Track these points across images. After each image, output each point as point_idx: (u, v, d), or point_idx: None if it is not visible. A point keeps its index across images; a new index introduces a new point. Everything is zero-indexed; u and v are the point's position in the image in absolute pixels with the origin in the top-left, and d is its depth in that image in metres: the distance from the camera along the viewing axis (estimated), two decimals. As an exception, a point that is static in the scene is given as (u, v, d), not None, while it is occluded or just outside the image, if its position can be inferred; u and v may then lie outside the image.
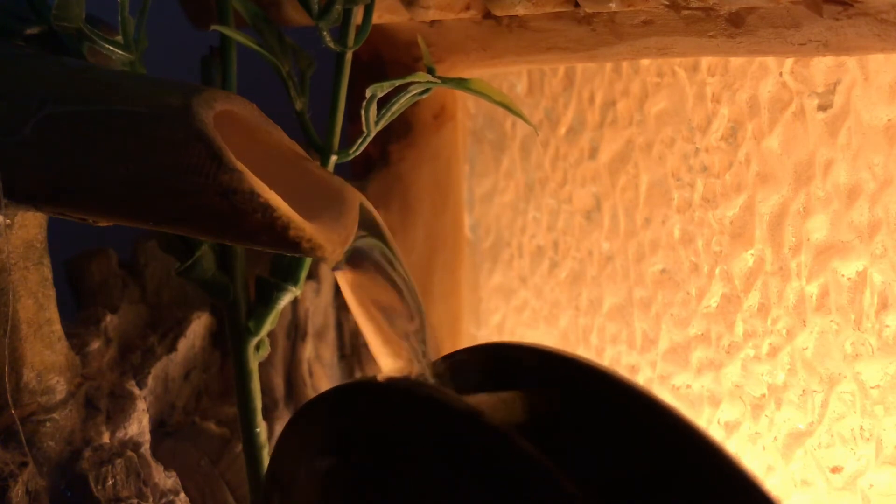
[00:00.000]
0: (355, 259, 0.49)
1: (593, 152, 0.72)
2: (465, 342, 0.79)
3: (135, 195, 0.48)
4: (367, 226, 0.50)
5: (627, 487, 0.43)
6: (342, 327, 0.77)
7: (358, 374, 0.78)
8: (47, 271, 0.55)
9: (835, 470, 0.63)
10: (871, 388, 0.62)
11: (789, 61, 0.63)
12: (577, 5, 0.61)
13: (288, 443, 0.48)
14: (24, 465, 0.52)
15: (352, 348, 0.78)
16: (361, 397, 0.46)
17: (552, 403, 0.46)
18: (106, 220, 0.51)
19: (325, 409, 0.47)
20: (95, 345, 0.60)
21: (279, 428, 0.53)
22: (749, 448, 0.66)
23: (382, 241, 0.50)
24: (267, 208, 0.46)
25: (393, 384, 0.47)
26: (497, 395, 0.47)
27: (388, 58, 0.73)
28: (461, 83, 0.56)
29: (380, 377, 0.49)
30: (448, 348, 0.52)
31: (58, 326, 0.56)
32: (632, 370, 0.71)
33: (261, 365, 0.58)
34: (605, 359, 0.73)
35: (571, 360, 0.47)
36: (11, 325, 0.53)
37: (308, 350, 0.73)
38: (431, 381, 0.49)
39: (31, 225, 0.54)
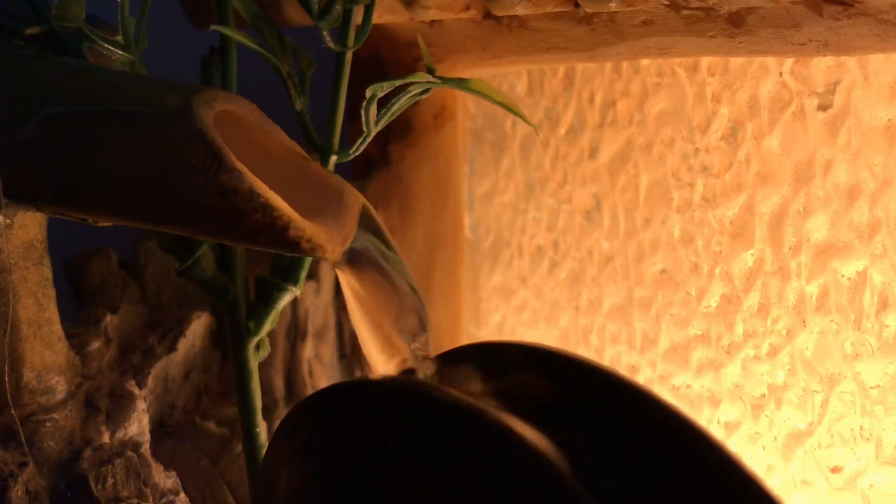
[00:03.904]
0: (355, 258, 0.49)
1: (593, 152, 0.72)
2: (466, 342, 0.79)
3: (135, 195, 0.48)
4: (367, 225, 0.50)
5: (625, 486, 0.43)
6: (342, 327, 0.77)
7: (358, 374, 0.78)
8: (47, 271, 0.55)
9: (835, 470, 0.63)
10: (871, 388, 0.62)
11: (789, 61, 0.63)
12: (577, 5, 0.61)
13: (280, 442, 0.48)
14: (24, 465, 0.52)
15: (352, 348, 0.78)
16: (356, 396, 0.46)
17: (548, 402, 0.46)
18: (106, 220, 0.51)
19: (319, 409, 0.47)
20: (95, 345, 0.60)
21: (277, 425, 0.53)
22: (749, 448, 0.66)
23: (382, 240, 0.50)
24: (267, 208, 0.46)
25: (392, 382, 0.47)
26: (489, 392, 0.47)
27: (388, 58, 0.73)
28: (461, 83, 0.56)
29: (373, 376, 0.49)
30: (448, 348, 0.52)
31: (58, 326, 0.56)
32: (632, 370, 0.71)
33: (261, 365, 0.58)
34: (605, 359, 0.73)
35: (569, 359, 0.47)
36: (11, 325, 0.53)
37: (308, 350, 0.73)
38: (428, 380, 0.49)
39: (31, 225, 0.54)
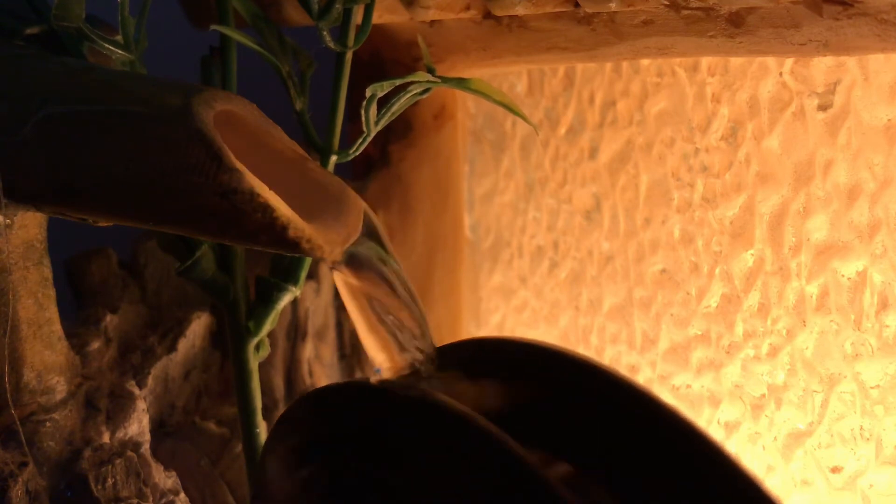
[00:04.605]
0: (354, 260, 0.49)
1: (593, 152, 0.72)
2: (465, 342, 0.79)
3: (135, 195, 0.48)
4: (366, 229, 0.50)
5: (625, 488, 0.43)
6: (342, 327, 0.77)
7: (358, 374, 0.78)
8: (47, 271, 0.55)
9: (835, 470, 0.63)
10: (871, 388, 0.62)
11: (789, 61, 0.63)
12: (577, 5, 0.61)
13: (275, 443, 0.48)
14: (24, 465, 0.52)
15: (352, 348, 0.78)
16: (352, 398, 0.46)
17: (546, 403, 0.46)
18: (106, 220, 0.51)
19: (315, 411, 0.47)
20: (95, 345, 0.60)
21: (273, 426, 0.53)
22: (749, 448, 0.66)
23: (380, 244, 0.50)
24: (266, 208, 0.46)
25: (383, 385, 0.47)
26: (482, 388, 0.47)
27: (388, 58, 0.73)
28: (461, 83, 0.56)
29: (372, 378, 0.49)
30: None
31: (58, 326, 0.56)
32: (632, 370, 0.71)
33: (261, 365, 0.58)
34: (605, 359, 0.73)
35: (570, 358, 0.47)
36: (11, 325, 0.53)
37: (308, 350, 0.73)
38: (425, 380, 0.49)
39: (31, 225, 0.54)
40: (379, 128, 0.56)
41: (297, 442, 0.47)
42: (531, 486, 0.40)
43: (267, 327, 0.57)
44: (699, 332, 0.68)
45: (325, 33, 0.55)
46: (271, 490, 0.47)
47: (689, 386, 0.69)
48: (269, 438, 0.49)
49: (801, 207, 0.64)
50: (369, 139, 0.56)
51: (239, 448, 0.66)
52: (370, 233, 0.50)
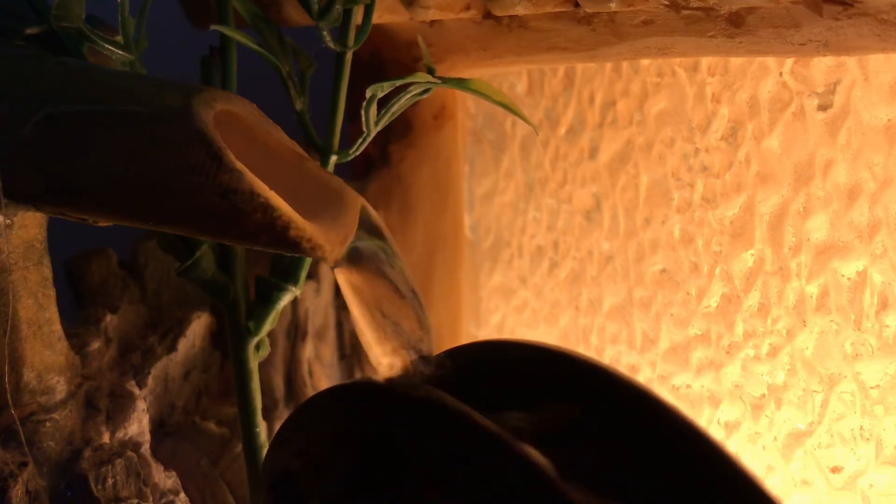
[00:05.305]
0: (355, 258, 0.49)
1: (593, 152, 0.72)
2: (465, 342, 0.79)
3: (134, 195, 0.48)
4: (367, 225, 0.50)
5: (626, 487, 0.43)
6: (342, 327, 0.77)
7: (358, 374, 0.78)
8: (47, 271, 0.55)
9: (835, 470, 0.63)
10: (871, 388, 0.62)
11: (789, 61, 0.63)
12: (577, 5, 0.61)
13: (283, 443, 0.48)
14: (24, 465, 0.52)
15: (352, 348, 0.78)
16: (358, 398, 0.46)
17: (545, 403, 0.46)
18: (106, 220, 0.51)
19: (321, 410, 0.47)
20: (95, 345, 0.60)
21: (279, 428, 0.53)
22: (749, 448, 0.66)
23: (382, 240, 0.50)
24: (267, 208, 0.46)
25: (389, 385, 0.47)
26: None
27: (388, 58, 0.73)
28: (461, 83, 0.56)
29: (376, 378, 0.49)
30: (447, 347, 0.52)
31: (58, 326, 0.56)
32: (632, 370, 0.71)
33: (261, 365, 0.58)
34: (605, 359, 0.73)
35: (569, 358, 0.47)
36: (11, 325, 0.53)
37: (308, 350, 0.73)
38: (427, 380, 0.49)
39: (31, 225, 0.54)
40: (379, 128, 0.56)
41: (301, 444, 0.47)
42: (537, 487, 0.40)
43: (267, 327, 0.57)
44: (699, 332, 0.68)
45: (325, 33, 0.55)
46: (279, 483, 0.47)
47: (689, 386, 0.69)
48: (274, 442, 0.49)
49: (801, 207, 0.64)
50: (369, 139, 0.56)
51: (239, 448, 0.66)
52: (372, 229, 0.50)
